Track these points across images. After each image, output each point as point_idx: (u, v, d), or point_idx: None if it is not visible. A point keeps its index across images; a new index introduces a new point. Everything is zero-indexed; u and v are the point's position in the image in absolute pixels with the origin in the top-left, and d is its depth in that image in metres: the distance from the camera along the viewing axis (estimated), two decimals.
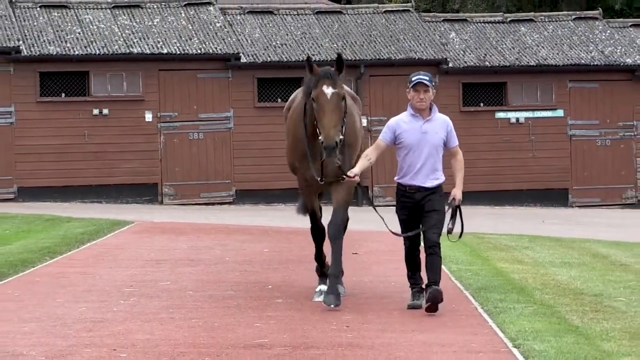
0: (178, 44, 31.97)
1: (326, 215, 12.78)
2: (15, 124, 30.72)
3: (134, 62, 31.42)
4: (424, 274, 11.97)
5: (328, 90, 12.07)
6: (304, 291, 13.29)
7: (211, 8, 33.91)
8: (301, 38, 32.93)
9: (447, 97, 32.54)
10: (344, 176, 11.87)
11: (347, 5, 40.83)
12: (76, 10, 33.03)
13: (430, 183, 11.91)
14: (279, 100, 30.29)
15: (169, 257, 17.86)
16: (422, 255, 11.99)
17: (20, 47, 30.75)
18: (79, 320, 11.65)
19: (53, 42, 31.38)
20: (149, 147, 31.40)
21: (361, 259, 17.04)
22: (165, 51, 31.67)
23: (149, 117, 31.44)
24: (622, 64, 34.35)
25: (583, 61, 34.09)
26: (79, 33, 31.83)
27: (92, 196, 30.91)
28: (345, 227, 12.97)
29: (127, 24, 32.57)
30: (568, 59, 34.10)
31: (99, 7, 33.70)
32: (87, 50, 31.23)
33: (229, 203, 31.71)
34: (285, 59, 31.65)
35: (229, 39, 32.42)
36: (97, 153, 30.98)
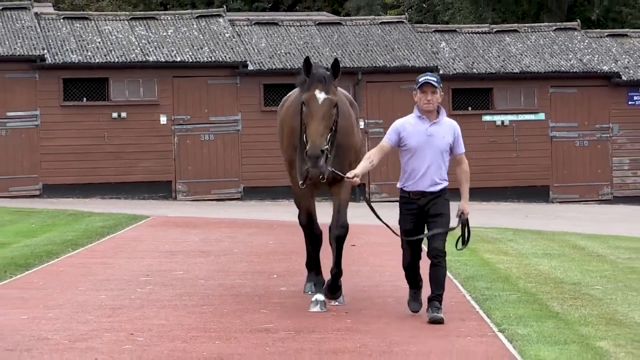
0: (190, 53, 31.95)
1: (321, 215, 12.67)
2: (41, 127, 30.70)
3: (149, 69, 31.40)
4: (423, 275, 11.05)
5: (320, 95, 10.83)
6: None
7: (221, 20, 33.90)
8: (303, 47, 32.87)
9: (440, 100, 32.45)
10: (345, 178, 10.61)
11: (346, 17, 40.80)
12: (96, 22, 33.03)
13: (433, 188, 10.55)
14: None
15: (182, 248, 17.87)
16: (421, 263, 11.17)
17: (45, 56, 30.73)
18: (99, 307, 11.65)
19: (75, 51, 31.36)
20: (164, 148, 31.38)
21: (358, 251, 17.04)
22: (178, 59, 31.65)
23: (163, 120, 31.43)
24: (599, 71, 34.32)
25: (563, 68, 34.06)
26: (99, 42, 31.82)
27: (111, 193, 30.90)
28: (345, 234, 11.63)
29: (143, 34, 32.55)
30: (549, 67, 34.08)
31: (118, 18, 33.73)
32: (106, 59, 31.21)
33: (237, 199, 31.70)
34: (289, 67, 31.56)
35: (237, 48, 32.39)
36: (116, 153, 30.96)
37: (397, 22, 35.71)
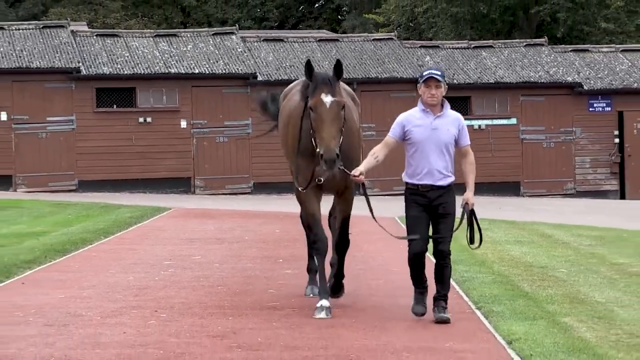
0: (207, 66, 31.91)
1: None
2: (76, 130, 30.67)
3: (171, 80, 31.35)
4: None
5: (327, 99, 9.48)
6: None
7: (234, 37, 33.85)
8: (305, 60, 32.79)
9: None
10: (351, 175, 9.44)
11: (343, 35, 40.72)
12: (125, 38, 32.99)
13: (442, 181, 9.45)
14: None
15: (200, 236, 17.88)
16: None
17: (80, 68, 30.69)
18: (127, 288, 11.66)
19: (106, 64, 31.32)
20: (184, 148, 31.35)
21: (353, 239, 16.99)
22: (196, 71, 31.60)
23: (183, 124, 31.38)
24: (563, 81, 34.26)
25: (532, 79, 34.04)
26: (127, 57, 31.79)
27: (138, 188, 30.87)
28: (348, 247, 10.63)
29: (166, 49, 32.52)
30: (520, 78, 34.04)
31: (143, 35, 33.67)
32: (134, 71, 31.17)
33: (248, 193, 31.67)
34: (293, 78, 31.38)
35: (248, 61, 32.35)
36: (142, 153, 30.92)
37: (387, 38, 35.68)
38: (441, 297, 9.50)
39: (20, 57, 30.90)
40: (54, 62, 30.83)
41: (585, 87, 34.18)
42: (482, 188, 32.95)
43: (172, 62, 31.88)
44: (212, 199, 29.40)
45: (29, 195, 28.69)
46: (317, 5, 63.91)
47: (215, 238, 17.55)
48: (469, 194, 9.56)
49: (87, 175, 30.66)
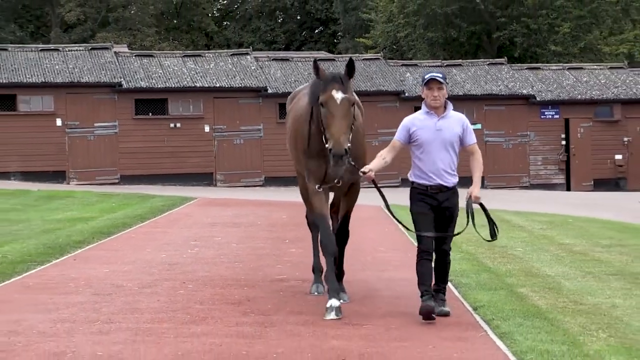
0: (226, 80, 31.85)
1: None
2: (118, 133, 30.61)
3: (197, 92, 31.30)
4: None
5: (338, 95, 7.89)
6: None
7: (248, 57, 33.78)
8: (308, 76, 32.73)
9: (405, 114, 32.41)
10: (360, 172, 8.10)
11: (338, 55, 40.65)
12: (159, 58, 32.93)
13: (449, 181, 8.26)
14: None
15: (220, 221, 17.86)
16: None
17: (122, 83, 30.65)
18: (161, 263, 11.65)
19: (143, 79, 31.27)
20: (207, 149, 31.31)
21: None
22: (217, 85, 31.55)
23: (207, 129, 31.34)
24: (520, 94, 34.20)
25: (494, 92, 33.98)
26: (161, 73, 31.73)
27: (169, 181, 30.83)
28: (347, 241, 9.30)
29: (192, 67, 32.46)
30: (484, 91, 33.98)
31: (174, 55, 33.63)
32: (166, 85, 31.12)
33: (260, 186, 31.65)
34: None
35: (260, 77, 32.30)
36: (173, 152, 30.89)
37: (375, 58, 35.59)
38: (441, 290, 8.35)
39: (72, 73, 30.84)
40: (100, 77, 30.77)
41: (538, 99, 34.11)
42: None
43: (198, 78, 31.82)
44: (230, 191, 29.39)
45: (79, 187, 28.67)
46: (316, 31, 64.04)
47: (233, 222, 17.54)
48: (475, 188, 8.35)
49: (127, 171, 30.63)
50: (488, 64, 36.24)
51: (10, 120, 29.91)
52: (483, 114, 33.79)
